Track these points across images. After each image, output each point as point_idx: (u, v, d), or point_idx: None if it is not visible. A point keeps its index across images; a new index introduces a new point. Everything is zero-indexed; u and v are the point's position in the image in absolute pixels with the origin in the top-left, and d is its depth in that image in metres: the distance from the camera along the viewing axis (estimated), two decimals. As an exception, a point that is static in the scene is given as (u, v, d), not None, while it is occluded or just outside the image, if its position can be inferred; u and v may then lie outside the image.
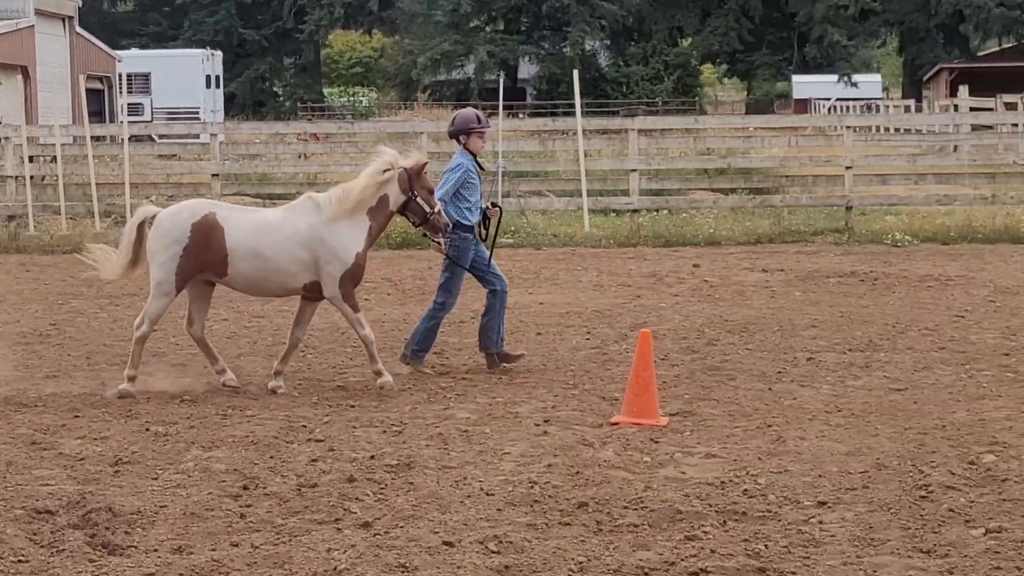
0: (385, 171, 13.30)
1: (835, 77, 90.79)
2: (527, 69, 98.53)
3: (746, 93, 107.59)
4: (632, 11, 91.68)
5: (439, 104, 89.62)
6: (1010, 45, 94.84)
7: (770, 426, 11.98)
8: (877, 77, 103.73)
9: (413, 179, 13.37)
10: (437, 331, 14.61)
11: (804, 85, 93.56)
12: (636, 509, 9.57)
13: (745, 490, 9.99)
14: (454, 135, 14.50)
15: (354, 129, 38.96)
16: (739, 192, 30.30)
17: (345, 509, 9.55)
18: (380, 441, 11.50)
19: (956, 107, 57.45)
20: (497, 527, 9.15)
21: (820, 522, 9.27)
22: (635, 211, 28.36)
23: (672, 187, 30.29)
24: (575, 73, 30.77)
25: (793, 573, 8.27)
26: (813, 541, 8.87)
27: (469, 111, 14.68)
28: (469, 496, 9.91)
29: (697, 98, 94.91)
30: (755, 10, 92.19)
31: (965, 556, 8.53)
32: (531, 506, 9.66)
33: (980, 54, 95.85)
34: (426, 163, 13.64)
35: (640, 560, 8.49)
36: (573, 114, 29.71)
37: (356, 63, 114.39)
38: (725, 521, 9.29)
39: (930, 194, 29.56)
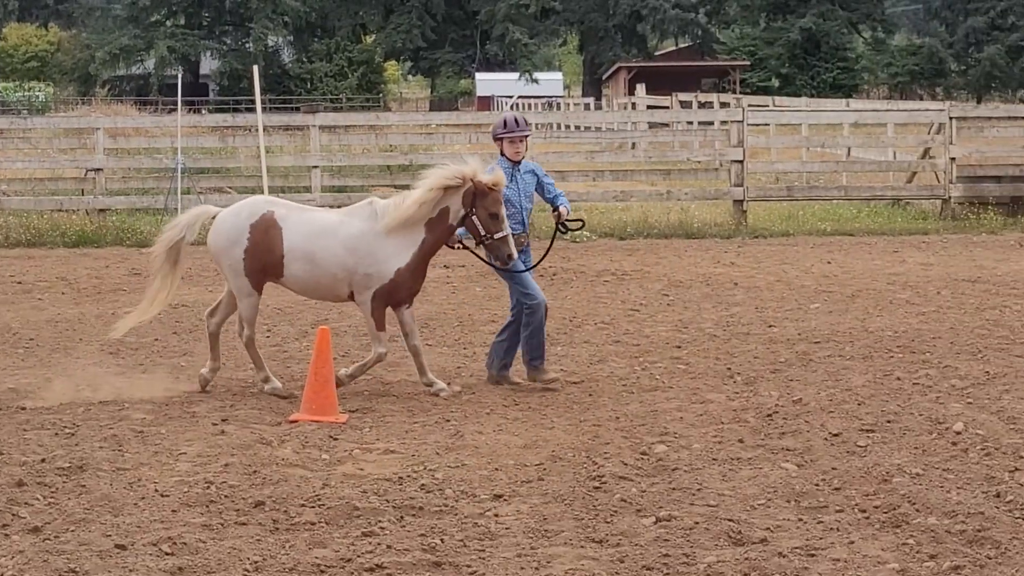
0: (451, 182, 12.55)
1: (517, 75, 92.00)
2: (209, 65, 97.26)
3: (430, 90, 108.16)
4: (315, 8, 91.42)
5: (118, 99, 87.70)
6: (685, 45, 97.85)
7: (448, 421, 12.09)
8: (559, 75, 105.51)
9: (477, 196, 12.56)
10: (542, 336, 13.51)
11: (487, 83, 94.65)
12: (313, 507, 9.55)
13: (423, 485, 10.07)
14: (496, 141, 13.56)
15: (28, 125, 37.85)
16: (421, 189, 30.37)
17: (13, 514, 9.30)
18: (52, 444, 11.22)
19: (634, 105, 58.84)
20: (171, 528, 9.03)
21: (496, 515, 9.39)
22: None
23: (355, 184, 30.25)
24: (255, 69, 30.53)
25: (468, 566, 8.36)
26: (488, 534, 8.99)
27: (504, 115, 13.72)
28: (143, 498, 9.75)
29: (382, 95, 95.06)
30: (438, 8, 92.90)
31: (636, 544, 8.74)
32: (207, 506, 9.55)
33: (657, 53, 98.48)
34: (495, 185, 12.57)
35: (316, 558, 8.47)
36: (255, 110, 29.46)
37: (32, 57, 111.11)
38: (402, 516, 9.34)
39: (608, 190, 30.16)
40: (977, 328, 16.27)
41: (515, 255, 12.71)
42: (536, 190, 13.51)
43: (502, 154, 13.30)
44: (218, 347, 13.45)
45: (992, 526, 9.01)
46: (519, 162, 13.34)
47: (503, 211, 12.60)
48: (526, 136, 13.37)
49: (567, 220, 13.66)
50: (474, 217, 12.59)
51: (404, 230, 12.63)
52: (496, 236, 12.59)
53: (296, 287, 13.24)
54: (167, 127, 31.09)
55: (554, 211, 13.55)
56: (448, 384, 13.29)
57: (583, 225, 14.64)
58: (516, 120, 13.41)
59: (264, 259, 12.86)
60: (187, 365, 14.51)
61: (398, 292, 12.85)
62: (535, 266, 13.68)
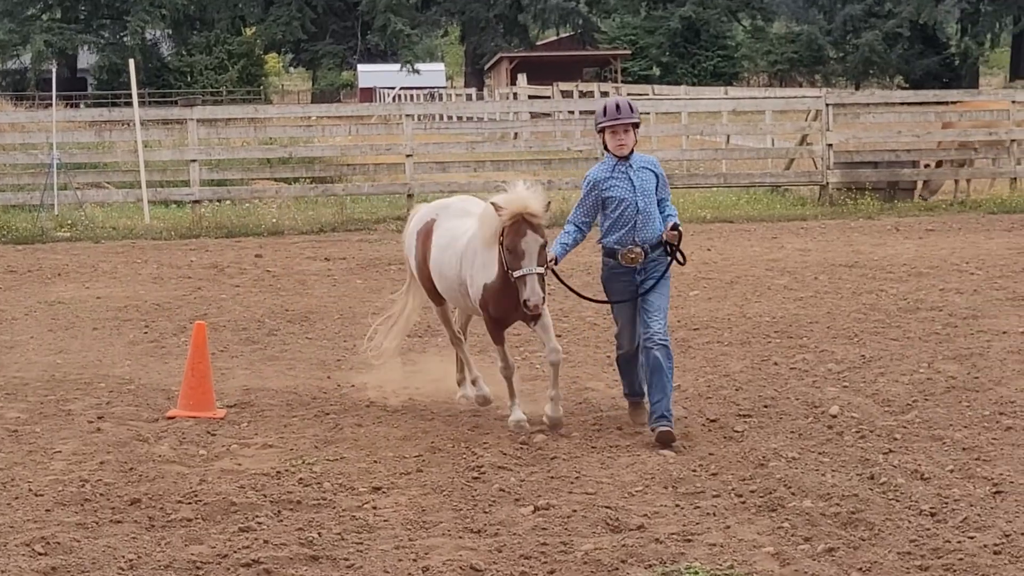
0: (495, 207, 10.79)
1: (399, 66, 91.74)
2: (87, 59, 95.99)
3: (312, 83, 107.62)
4: (193, 0, 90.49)
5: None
6: (566, 35, 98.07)
7: (328, 414, 12.05)
8: (440, 66, 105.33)
9: (506, 227, 10.74)
10: (625, 370, 11.53)
11: (369, 74, 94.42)
12: (190, 503, 9.49)
13: (300, 479, 10.04)
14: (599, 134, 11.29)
15: None
16: (302, 181, 30.31)
17: None
18: (-77, 446, 11.06)
19: (515, 95, 58.91)
20: (45, 528, 8.93)
21: (374, 507, 9.38)
22: (196, 202, 28.00)
23: (235, 177, 30.09)
24: (132, 63, 30.19)
25: (346, 559, 8.34)
26: (367, 526, 8.97)
27: (605, 101, 11.16)
28: (17, 498, 9.64)
29: (263, 88, 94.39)
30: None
31: (514, 534, 8.77)
32: (81, 505, 9.46)
33: (538, 43, 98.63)
34: (517, 216, 10.65)
35: (192, 555, 8.41)
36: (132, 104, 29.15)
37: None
38: (280, 511, 9.30)
39: (489, 181, 30.06)
40: (853, 312, 16.46)
41: (535, 302, 10.55)
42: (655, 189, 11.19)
43: (606, 149, 11.10)
44: (467, 360, 12.41)
45: (866, 508, 9.13)
46: (627, 157, 11.03)
47: (522, 246, 10.60)
48: (631, 125, 10.95)
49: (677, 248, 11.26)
50: (501, 246, 10.86)
51: (491, 243, 11.06)
52: (514, 275, 10.68)
53: (451, 303, 12.18)
54: (43, 122, 30.69)
55: (671, 229, 11.07)
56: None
57: (685, 261, 11.57)
58: (618, 106, 10.95)
59: (424, 271, 12.05)
60: (63, 363, 14.32)
61: (494, 311, 11.23)
62: (601, 302, 11.81)
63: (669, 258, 11.14)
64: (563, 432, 11.18)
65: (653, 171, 11.14)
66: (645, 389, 11.16)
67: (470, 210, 11.65)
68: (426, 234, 11.91)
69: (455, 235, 11.58)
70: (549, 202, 10.86)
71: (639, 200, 10.96)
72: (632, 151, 11.01)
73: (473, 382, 12.21)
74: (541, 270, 10.62)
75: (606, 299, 11.46)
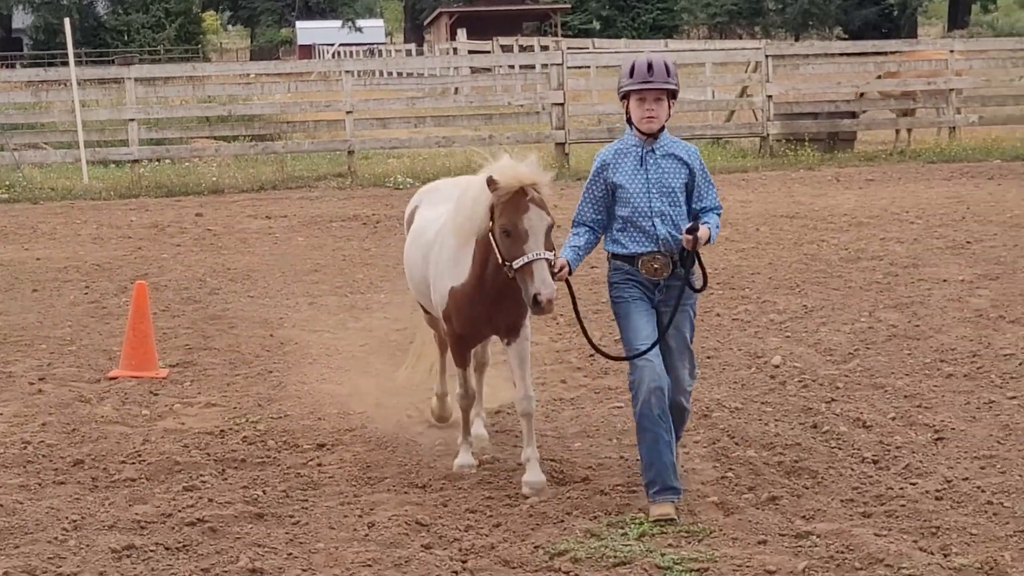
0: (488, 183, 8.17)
1: (339, 23, 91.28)
2: (22, 19, 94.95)
3: (250, 40, 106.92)
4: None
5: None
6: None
7: (271, 372, 12.03)
8: (380, 22, 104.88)
9: (495, 206, 8.18)
10: (641, 441, 8.19)
11: (308, 31, 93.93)
12: (134, 463, 9.45)
13: (245, 437, 10.01)
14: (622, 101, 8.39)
15: None
16: (241, 139, 30.13)
17: None
18: None
19: (455, 50, 58.67)
20: (-13, 491, 8.88)
21: (319, 464, 9.37)
22: (136, 161, 27.79)
23: (174, 136, 29.87)
24: (67, 22, 29.88)
25: (291, 516, 8.33)
26: (312, 484, 8.96)
27: (634, 59, 8.30)
28: (-42, 462, 9.58)
29: (201, 46, 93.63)
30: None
31: (459, 488, 8.78)
32: (24, 467, 9.40)
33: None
34: (515, 187, 8.09)
35: (136, 514, 8.37)
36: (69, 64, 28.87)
37: None
38: (224, 470, 9.28)
39: (430, 136, 30.11)
40: (795, 263, 16.54)
41: (547, 295, 7.91)
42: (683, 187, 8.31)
43: (628, 122, 8.32)
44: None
45: (809, 456, 9.19)
46: (656, 135, 8.26)
47: (524, 224, 8.02)
48: (665, 92, 8.18)
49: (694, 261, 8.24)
50: (491, 233, 8.27)
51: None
52: (515, 264, 8.06)
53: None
54: (-23, 83, 30.35)
55: (688, 232, 8.05)
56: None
57: (704, 285, 8.42)
58: (651, 65, 8.17)
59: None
60: (2, 324, 14.20)
61: (455, 322, 8.83)
62: (666, 328, 8.29)
63: (684, 274, 8.20)
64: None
65: (685, 162, 8.26)
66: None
67: (453, 195, 8.95)
68: (408, 225, 9.79)
69: (424, 226, 9.34)
70: (554, 174, 8.42)
71: (653, 199, 8.17)
72: (663, 129, 8.27)
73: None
74: (550, 255, 8.02)
75: (623, 354, 8.40)
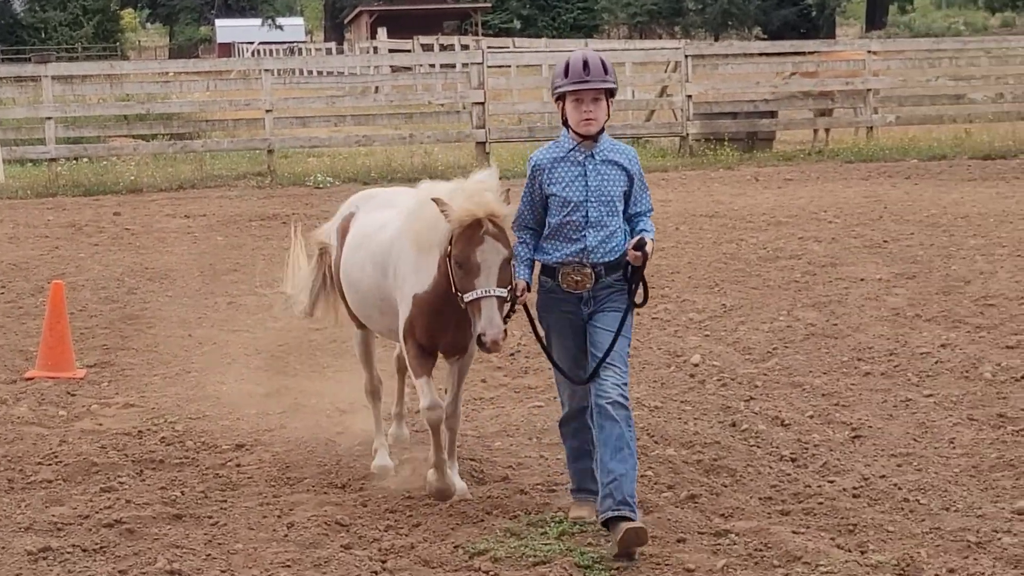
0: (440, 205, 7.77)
1: (259, 21, 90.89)
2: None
3: (169, 38, 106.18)
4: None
5: None
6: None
7: (189, 372, 11.96)
8: (300, 20, 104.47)
9: (455, 234, 7.73)
10: (571, 444, 8.16)
11: (228, 29, 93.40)
12: (50, 464, 9.38)
13: (163, 438, 9.96)
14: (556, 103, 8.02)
15: None
16: (160, 138, 29.90)
17: None
18: None
19: (376, 49, 58.53)
20: (-100, 494, 8.78)
21: (238, 465, 9.34)
22: (53, 160, 27.50)
23: (91, 135, 29.59)
24: (-17, 18, 29.59)
25: (210, 517, 8.29)
26: (231, 484, 8.93)
27: (569, 56, 7.95)
28: None
29: (119, 44, 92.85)
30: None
31: (379, 488, 8.77)
32: (-62, 469, 9.31)
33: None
34: (472, 218, 7.63)
35: (53, 516, 8.32)
36: (-17, 61, 28.60)
37: None
38: (142, 471, 9.23)
39: (350, 135, 29.99)
40: (714, 262, 16.62)
41: (492, 336, 7.53)
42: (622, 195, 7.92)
43: (564, 124, 7.90)
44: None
45: (728, 455, 9.25)
46: (595, 138, 7.84)
47: (476, 258, 7.62)
48: (604, 92, 7.80)
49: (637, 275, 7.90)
50: (448, 256, 7.84)
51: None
52: (465, 298, 7.68)
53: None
54: None
55: (636, 247, 7.74)
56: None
57: (645, 300, 8.08)
58: (586, 62, 7.78)
59: (340, 282, 9.32)
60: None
61: (417, 330, 8.25)
62: (609, 348, 7.78)
63: (629, 287, 7.86)
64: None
65: (625, 168, 7.87)
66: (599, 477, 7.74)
67: (396, 202, 8.77)
68: (343, 233, 9.16)
69: (369, 232, 8.77)
70: (508, 190, 7.85)
71: (591, 207, 7.76)
72: (602, 131, 7.85)
73: (397, 416, 9.64)
74: (503, 292, 7.64)
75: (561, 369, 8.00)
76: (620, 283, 7.85)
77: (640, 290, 7.91)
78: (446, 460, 8.38)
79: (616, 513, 7.48)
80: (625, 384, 7.75)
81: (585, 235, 7.71)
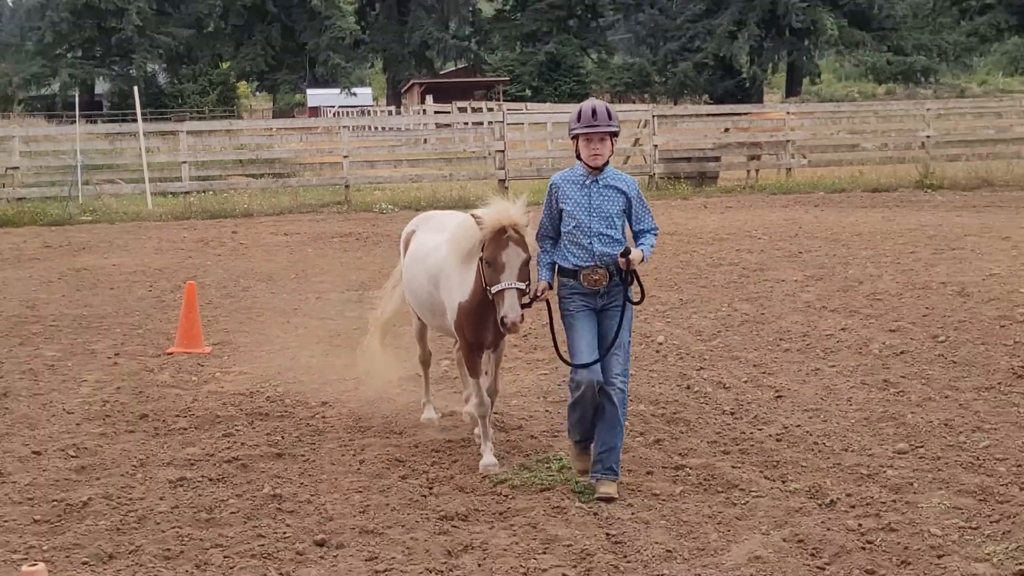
0: (476, 219, 7.61)
1: (338, 90, 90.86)
2: (102, 86, 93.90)
3: (272, 103, 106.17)
4: (183, 42, 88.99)
5: (31, 114, 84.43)
6: (462, 66, 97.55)
7: (287, 348, 11.94)
8: (369, 90, 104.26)
9: (486, 240, 7.53)
10: (580, 413, 7.57)
11: (316, 96, 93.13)
12: (185, 416, 9.39)
13: (268, 397, 9.96)
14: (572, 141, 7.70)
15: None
16: (266, 177, 29.87)
17: (-50, 433, 8.94)
18: (-19, 378, 10.80)
19: (424, 111, 58.44)
20: (76, 438, 8.79)
21: (323, 417, 9.33)
22: (187, 193, 27.53)
23: (215, 174, 29.62)
24: (136, 90, 29.61)
25: (303, 455, 8.30)
26: (318, 431, 8.93)
27: (581, 105, 7.68)
28: (54, 415, 9.48)
29: (235, 107, 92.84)
30: (276, 41, 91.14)
31: (426, 435, 8.74)
32: (103, 420, 9.32)
33: (441, 72, 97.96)
34: (499, 227, 7.46)
35: (187, 454, 8.33)
36: (137, 120, 28.58)
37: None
38: (253, 421, 9.23)
39: (406, 174, 29.96)
40: (674, 267, 16.56)
41: (512, 318, 7.26)
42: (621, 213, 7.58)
43: (578, 157, 7.64)
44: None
45: (684, 410, 9.23)
46: (600, 168, 7.57)
47: (502, 259, 7.40)
48: (608, 134, 7.51)
49: (631, 278, 7.59)
50: (481, 260, 7.61)
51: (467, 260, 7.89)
52: (492, 290, 7.45)
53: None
54: (70, 134, 29.99)
55: (622, 255, 7.41)
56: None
57: (642, 298, 7.93)
58: (595, 111, 7.54)
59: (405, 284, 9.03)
60: (87, 313, 14.05)
61: (466, 333, 7.95)
62: (613, 341, 7.52)
63: (624, 287, 7.54)
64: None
65: (623, 192, 7.57)
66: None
67: (447, 224, 8.43)
68: (406, 245, 8.95)
69: (426, 250, 8.48)
70: (530, 212, 7.62)
71: (594, 222, 7.48)
72: (607, 163, 7.60)
73: (425, 404, 9.30)
74: (522, 285, 7.39)
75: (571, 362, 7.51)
76: (620, 285, 7.58)
77: (637, 289, 7.71)
78: (491, 438, 8.06)
79: (603, 476, 7.45)
80: (626, 371, 7.55)
81: (592, 243, 7.44)
